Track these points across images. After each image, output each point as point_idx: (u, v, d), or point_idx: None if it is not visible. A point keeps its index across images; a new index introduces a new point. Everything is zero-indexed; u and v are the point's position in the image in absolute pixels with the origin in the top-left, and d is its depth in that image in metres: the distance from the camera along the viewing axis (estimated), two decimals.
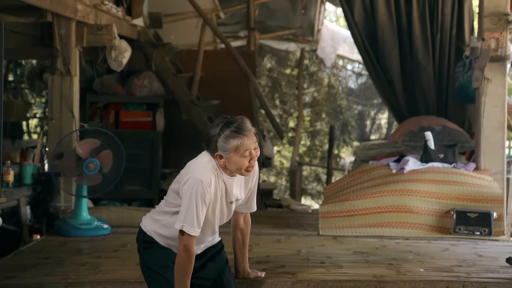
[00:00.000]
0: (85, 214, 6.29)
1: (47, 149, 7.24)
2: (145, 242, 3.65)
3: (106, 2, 7.48)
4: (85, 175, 6.10)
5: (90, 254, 5.42)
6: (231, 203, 3.59)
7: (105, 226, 6.36)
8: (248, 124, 3.45)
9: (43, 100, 12.78)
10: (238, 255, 4.06)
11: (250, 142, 3.39)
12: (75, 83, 6.93)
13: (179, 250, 3.40)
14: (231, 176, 3.52)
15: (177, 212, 3.46)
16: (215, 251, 3.81)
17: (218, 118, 3.53)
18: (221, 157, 3.41)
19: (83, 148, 6.07)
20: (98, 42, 7.21)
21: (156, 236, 3.60)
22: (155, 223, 3.61)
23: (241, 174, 3.48)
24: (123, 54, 7.39)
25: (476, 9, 8.44)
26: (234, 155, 3.38)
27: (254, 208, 3.90)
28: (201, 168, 3.41)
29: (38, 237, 6.85)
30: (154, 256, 3.59)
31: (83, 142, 6.16)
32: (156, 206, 3.77)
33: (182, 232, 3.38)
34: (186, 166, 3.55)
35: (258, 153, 3.45)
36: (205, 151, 3.52)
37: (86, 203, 6.36)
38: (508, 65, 6.97)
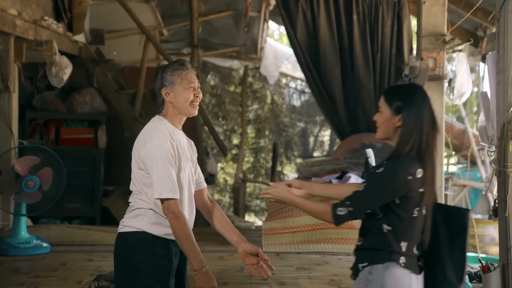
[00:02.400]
0: (23, 233, 6.16)
1: None
2: (142, 241, 3.26)
3: (46, 18, 7.38)
4: (24, 192, 5.98)
5: (29, 274, 5.30)
6: (191, 161, 3.51)
7: (45, 244, 6.23)
8: (189, 63, 3.49)
9: None
10: (228, 230, 3.52)
11: (194, 78, 3.43)
12: (13, 99, 6.81)
13: (170, 220, 3.19)
14: (180, 130, 3.48)
15: (150, 185, 3.27)
16: (184, 262, 3.62)
17: (155, 71, 3.51)
18: (167, 93, 3.39)
19: (22, 166, 5.95)
20: (38, 58, 7.11)
21: (152, 229, 3.28)
22: (143, 218, 3.31)
23: (188, 113, 3.42)
24: (64, 70, 7.29)
25: (414, 30, 8.64)
26: (179, 87, 3.38)
27: (205, 183, 3.74)
28: (155, 133, 3.31)
29: None
30: (153, 267, 3.27)
31: (22, 159, 6.04)
32: (130, 204, 3.42)
33: (163, 201, 3.20)
34: (137, 140, 3.38)
35: (201, 95, 3.47)
36: (151, 119, 3.47)
37: (24, 221, 6.22)
38: (446, 84, 7.15)
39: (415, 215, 2.91)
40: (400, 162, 2.89)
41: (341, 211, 2.91)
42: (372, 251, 2.93)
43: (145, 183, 3.30)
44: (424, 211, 2.95)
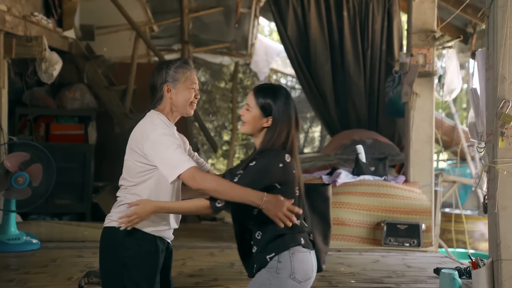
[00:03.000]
0: (13, 229, 6.14)
1: None
2: (130, 237, 3.25)
3: (36, 14, 7.34)
4: (14, 189, 5.96)
5: (18, 270, 5.28)
6: None
7: (34, 241, 6.21)
8: (192, 63, 3.52)
9: None
10: None
11: (196, 78, 3.47)
12: (3, 95, 6.77)
13: (203, 186, 3.10)
14: (174, 125, 3.48)
15: (146, 179, 3.27)
16: (169, 259, 3.62)
17: (157, 65, 3.55)
18: (169, 90, 3.39)
19: (12, 162, 5.93)
20: (28, 54, 7.06)
21: (140, 225, 3.24)
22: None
23: (185, 112, 3.42)
24: (54, 66, 7.26)
25: (404, 26, 8.66)
26: (182, 86, 3.39)
27: (208, 165, 3.74)
28: (157, 124, 3.29)
29: None
30: (140, 264, 3.25)
31: (12, 155, 6.02)
32: (118, 199, 3.40)
33: (184, 177, 3.12)
34: (135, 134, 3.32)
35: (198, 96, 3.51)
36: (147, 114, 3.45)
37: (14, 217, 6.20)
38: (436, 81, 7.17)
39: (297, 193, 3.18)
40: (268, 154, 3.12)
41: (220, 203, 3.12)
42: (276, 239, 3.13)
43: (140, 177, 3.28)
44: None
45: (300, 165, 3.24)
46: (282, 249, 3.11)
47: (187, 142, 3.61)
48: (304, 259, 3.14)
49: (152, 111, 3.42)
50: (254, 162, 3.11)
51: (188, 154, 3.55)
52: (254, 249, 3.19)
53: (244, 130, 3.23)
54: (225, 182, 3.13)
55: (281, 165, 3.10)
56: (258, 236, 3.17)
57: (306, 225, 3.22)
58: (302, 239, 3.15)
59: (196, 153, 3.66)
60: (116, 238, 3.27)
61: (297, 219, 3.12)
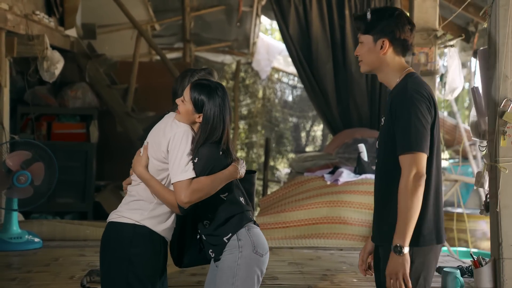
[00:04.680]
0: (15, 228, 6.14)
1: None
2: (139, 235, 3.27)
3: (37, 12, 7.34)
4: (16, 187, 5.96)
5: (20, 269, 5.29)
6: None
7: (36, 240, 6.22)
8: (216, 74, 3.59)
9: None
10: None
11: None
12: (5, 94, 6.77)
13: (202, 195, 3.19)
14: None
15: (163, 177, 3.30)
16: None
17: (182, 72, 3.59)
18: None
19: (14, 160, 5.94)
20: (30, 53, 7.06)
21: (150, 224, 3.28)
22: (143, 212, 3.29)
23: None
24: (56, 65, 7.25)
25: None
26: None
27: None
28: (177, 123, 3.30)
29: None
30: (146, 262, 3.28)
31: (14, 154, 6.02)
32: (127, 196, 3.42)
33: (184, 182, 3.18)
34: (157, 132, 3.34)
35: None
36: (168, 114, 3.46)
37: (16, 216, 6.21)
38: (437, 79, 7.16)
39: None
40: (206, 147, 3.21)
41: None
42: (228, 221, 3.25)
43: (157, 174, 3.30)
44: None
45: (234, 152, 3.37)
46: (238, 227, 3.24)
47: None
48: (259, 234, 3.29)
49: (171, 113, 3.43)
50: (197, 159, 3.18)
51: None
52: (204, 237, 3.30)
53: (178, 119, 3.29)
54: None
55: (221, 153, 3.24)
56: (206, 225, 3.27)
57: (249, 204, 3.37)
58: (250, 216, 3.31)
59: None
60: (124, 234, 3.29)
61: (240, 198, 3.31)
